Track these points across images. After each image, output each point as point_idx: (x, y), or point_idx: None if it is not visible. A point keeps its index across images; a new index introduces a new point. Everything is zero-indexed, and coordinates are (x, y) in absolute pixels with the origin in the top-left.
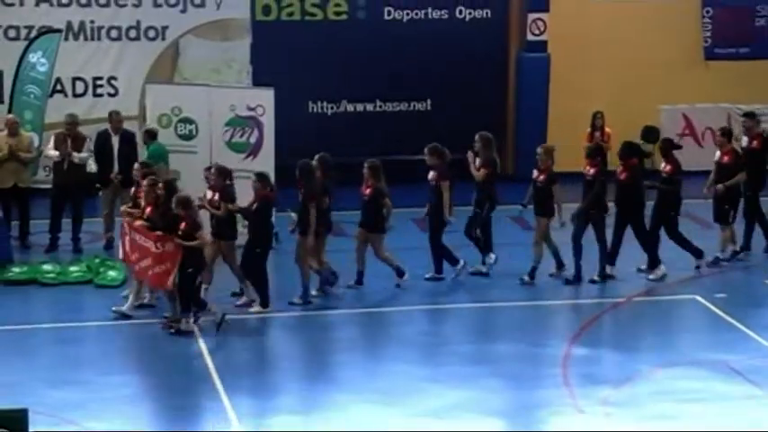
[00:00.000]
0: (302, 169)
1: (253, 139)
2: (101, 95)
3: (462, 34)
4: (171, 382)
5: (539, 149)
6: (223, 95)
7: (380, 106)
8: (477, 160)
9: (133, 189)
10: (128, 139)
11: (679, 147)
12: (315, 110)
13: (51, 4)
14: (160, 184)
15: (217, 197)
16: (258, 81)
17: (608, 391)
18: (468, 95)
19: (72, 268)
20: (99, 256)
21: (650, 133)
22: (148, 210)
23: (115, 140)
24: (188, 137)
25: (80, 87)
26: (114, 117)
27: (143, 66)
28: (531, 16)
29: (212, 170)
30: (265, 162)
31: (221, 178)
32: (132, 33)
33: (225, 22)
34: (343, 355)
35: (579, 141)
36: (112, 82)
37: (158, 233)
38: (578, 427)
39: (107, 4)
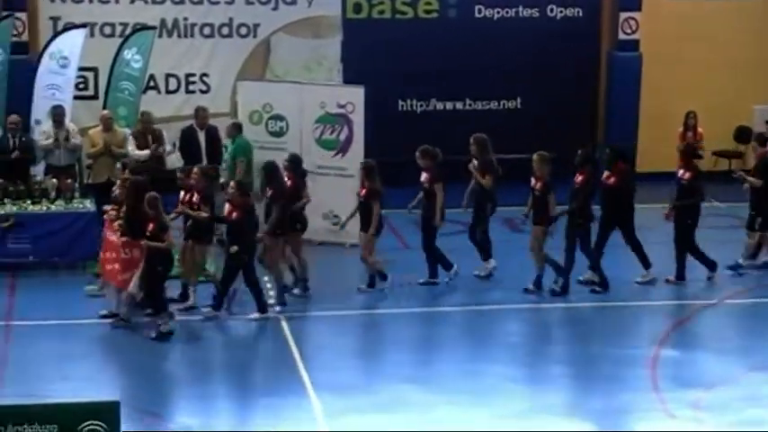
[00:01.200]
0: (267, 169)
1: (342, 137)
2: (193, 92)
3: (553, 33)
4: (256, 378)
5: (534, 156)
6: (314, 93)
7: (470, 104)
8: (474, 162)
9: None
10: (213, 134)
11: (699, 156)
12: (404, 108)
13: (146, 2)
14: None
15: (196, 198)
16: (348, 79)
17: (699, 394)
18: (558, 94)
19: None
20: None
21: (743, 133)
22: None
23: (201, 136)
24: (278, 134)
25: (173, 84)
26: (201, 113)
27: (235, 63)
28: (623, 15)
29: (195, 171)
30: (354, 159)
31: (204, 180)
32: (225, 30)
33: (316, 20)
34: (430, 354)
35: (670, 141)
36: (205, 79)
37: (125, 239)
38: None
39: (200, 2)
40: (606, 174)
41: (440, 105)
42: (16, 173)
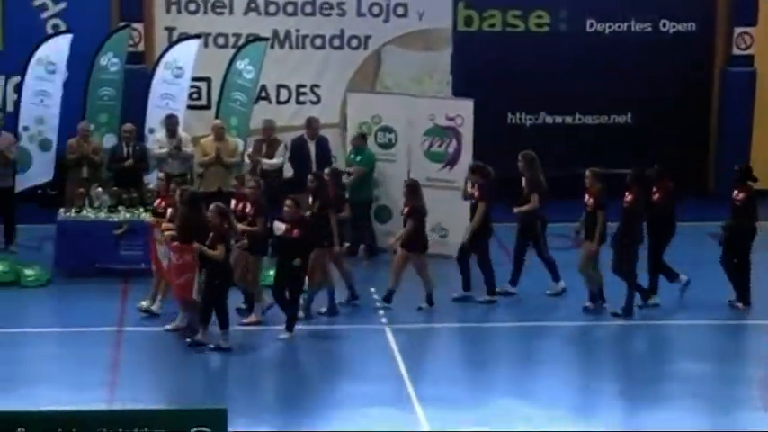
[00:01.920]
0: (317, 179)
1: (451, 149)
2: (303, 103)
3: (666, 47)
4: (361, 389)
5: (587, 173)
6: (423, 105)
7: (580, 119)
8: (523, 181)
9: (157, 201)
10: (323, 145)
11: (755, 179)
12: (513, 121)
13: (259, 13)
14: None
15: (249, 209)
16: (458, 91)
17: None
18: (669, 110)
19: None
20: None
21: None
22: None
23: (311, 146)
24: (387, 146)
25: (284, 95)
26: (312, 123)
27: (345, 74)
28: (738, 30)
29: (252, 183)
30: (462, 172)
31: (259, 192)
32: (336, 42)
33: (427, 33)
34: (534, 368)
35: None
36: (315, 90)
37: (176, 244)
38: None
39: (312, 13)
40: (653, 191)
41: (549, 119)
42: (130, 181)
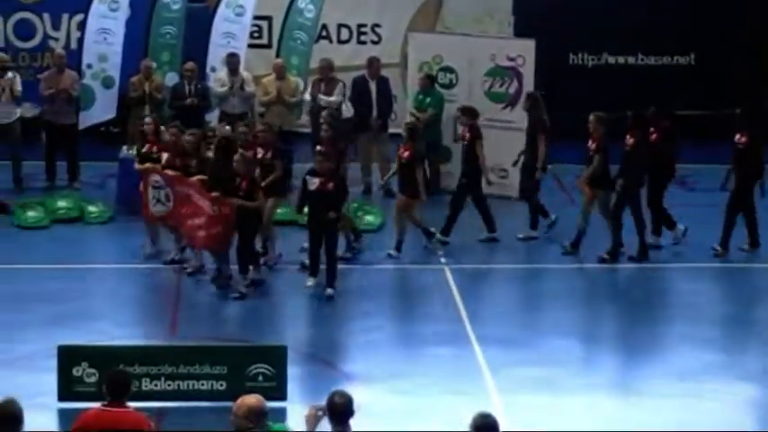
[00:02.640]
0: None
1: (512, 90)
2: (364, 42)
3: None
4: (420, 329)
5: (591, 116)
6: (484, 45)
7: (642, 59)
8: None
9: (146, 146)
10: (384, 85)
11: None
12: (575, 61)
13: None
14: (187, 137)
15: (270, 155)
16: (519, 31)
17: None
18: (733, 51)
19: None
20: (357, 201)
21: None
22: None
23: (372, 86)
24: (448, 86)
25: (345, 34)
26: (374, 63)
27: (406, 14)
28: None
29: (260, 127)
30: (523, 113)
31: (273, 135)
32: None
33: None
34: (590, 310)
35: None
36: (376, 29)
37: (215, 194)
38: None
39: None
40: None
41: (611, 59)
42: (191, 119)
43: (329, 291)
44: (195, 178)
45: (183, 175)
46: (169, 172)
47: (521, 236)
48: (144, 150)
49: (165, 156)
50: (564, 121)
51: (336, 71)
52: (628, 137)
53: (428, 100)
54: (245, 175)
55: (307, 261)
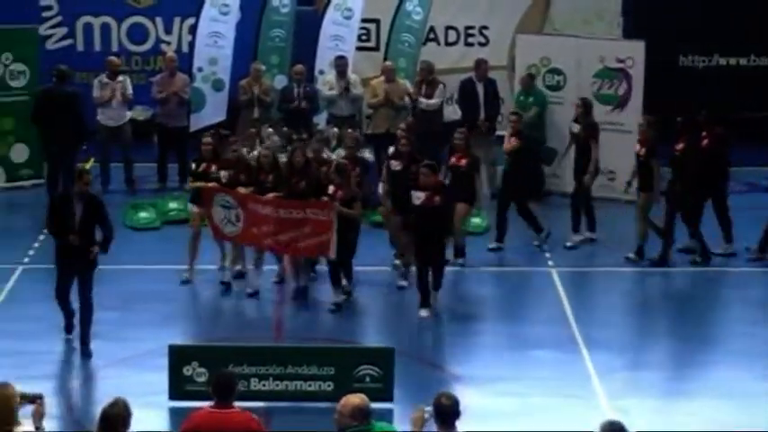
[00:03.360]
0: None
1: (621, 92)
2: (471, 45)
3: None
4: (528, 331)
5: (641, 120)
6: (593, 47)
7: (754, 60)
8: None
9: (203, 165)
10: (492, 86)
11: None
12: (685, 63)
13: None
14: (264, 152)
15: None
16: (628, 33)
17: None
18: None
19: None
20: None
21: None
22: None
23: (480, 88)
24: (555, 87)
25: (452, 36)
26: (482, 65)
27: (514, 16)
28: None
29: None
30: (632, 115)
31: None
32: None
33: None
34: (702, 314)
35: None
36: (483, 31)
37: (317, 200)
38: None
39: None
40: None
41: (722, 61)
42: (300, 121)
43: (423, 312)
44: (271, 195)
45: (257, 192)
46: (242, 190)
47: (568, 244)
48: (200, 170)
49: (222, 174)
50: (673, 123)
51: (444, 73)
52: (678, 142)
53: (530, 99)
54: (340, 185)
55: (396, 261)
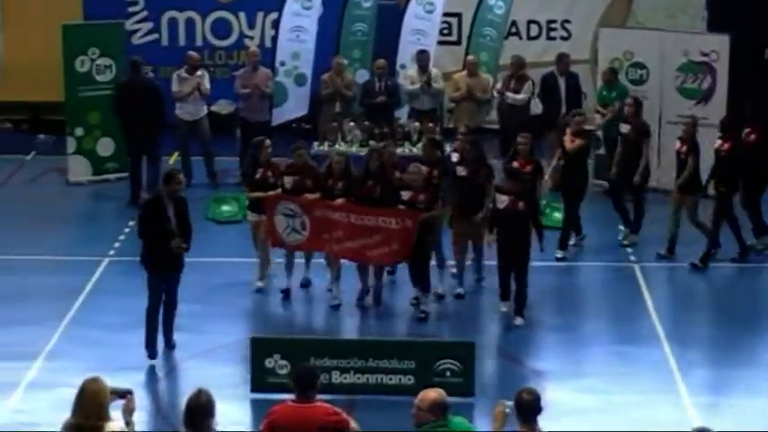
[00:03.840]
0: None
1: (705, 86)
2: (554, 39)
3: None
4: (609, 325)
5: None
6: (676, 40)
7: None
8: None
9: (260, 171)
10: (574, 80)
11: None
12: None
13: None
14: (336, 158)
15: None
16: (712, 27)
17: None
18: None
19: None
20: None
21: None
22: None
23: (561, 82)
24: (638, 81)
25: (534, 30)
26: (563, 59)
27: (597, 9)
28: None
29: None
30: (716, 109)
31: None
32: None
33: None
34: None
35: None
36: (566, 25)
37: (400, 209)
38: None
39: None
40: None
41: None
42: (381, 116)
43: (518, 320)
44: (340, 201)
45: (325, 197)
46: (309, 196)
47: (625, 242)
48: (258, 177)
49: (287, 180)
50: (760, 118)
51: (526, 68)
52: (721, 141)
53: (613, 94)
54: (421, 189)
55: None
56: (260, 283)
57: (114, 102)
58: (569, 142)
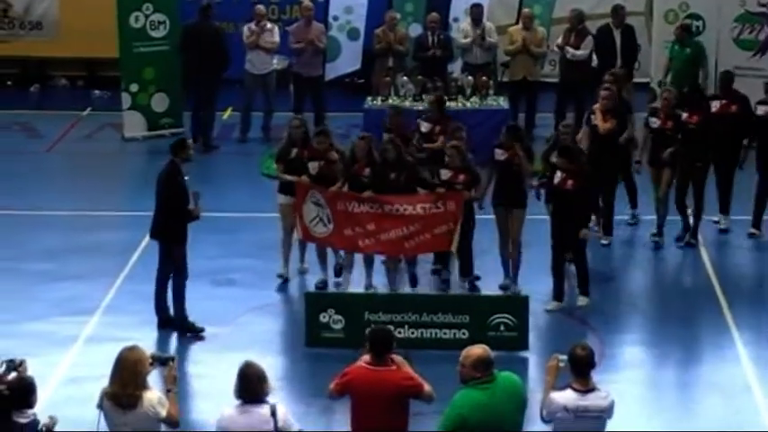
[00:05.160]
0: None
1: (762, 37)
2: None
3: None
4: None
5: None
6: None
7: None
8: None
9: (295, 150)
10: (629, 33)
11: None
12: None
13: None
14: (359, 142)
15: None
16: None
17: None
18: None
19: None
20: None
21: None
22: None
23: (617, 35)
24: (695, 33)
25: None
26: (618, 11)
27: None
28: None
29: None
30: None
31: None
32: None
33: None
34: None
35: None
36: None
37: (439, 191)
38: None
39: None
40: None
41: None
42: (435, 70)
43: (582, 300)
44: (367, 193)
45: (353, 189)
46: (333, 189)
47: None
48: (293, 156)
49: (311, 165)
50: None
51: (585, 21)
52: (688, 114)
53: (687, 50)
54: (460, 168)
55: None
56: (282, 271)
57: (180, 40)
58: (602, 123)
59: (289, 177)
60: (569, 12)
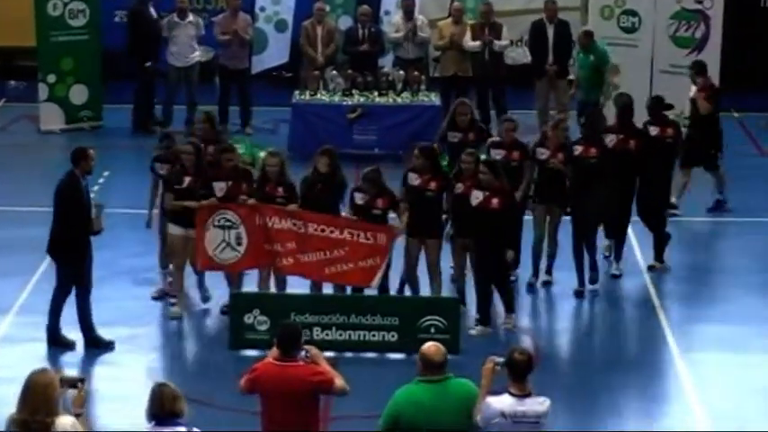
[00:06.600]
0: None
1: (698, 34)
2: None
3: None
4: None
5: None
6: None
7: None
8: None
9: (186, 179)
10: (562, 29)
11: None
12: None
13: None
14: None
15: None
16: None
17: None
18: None
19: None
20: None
21: None
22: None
23: (550, 30)
24: (630, 29)
25: None
26: (550, 5)
27: None
28: None
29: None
30: (710, 59)
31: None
32: None
33: None
34: None
35: None
36: None
37: (371, 224)
38: None
39: None
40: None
41: None
42: (365, 64)
43: (508, 323)
44: (292, 207)
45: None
46: (250, 202)
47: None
48: (185, 186)
49: (218, 186)
50: (754, 68)
51: (514, 15)
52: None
53: (591, 58)
54: (378, 192)
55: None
56: (176, 309)
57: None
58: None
59: (188, 203)
60: (482, 6)
